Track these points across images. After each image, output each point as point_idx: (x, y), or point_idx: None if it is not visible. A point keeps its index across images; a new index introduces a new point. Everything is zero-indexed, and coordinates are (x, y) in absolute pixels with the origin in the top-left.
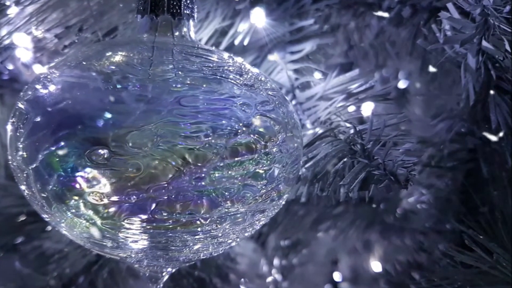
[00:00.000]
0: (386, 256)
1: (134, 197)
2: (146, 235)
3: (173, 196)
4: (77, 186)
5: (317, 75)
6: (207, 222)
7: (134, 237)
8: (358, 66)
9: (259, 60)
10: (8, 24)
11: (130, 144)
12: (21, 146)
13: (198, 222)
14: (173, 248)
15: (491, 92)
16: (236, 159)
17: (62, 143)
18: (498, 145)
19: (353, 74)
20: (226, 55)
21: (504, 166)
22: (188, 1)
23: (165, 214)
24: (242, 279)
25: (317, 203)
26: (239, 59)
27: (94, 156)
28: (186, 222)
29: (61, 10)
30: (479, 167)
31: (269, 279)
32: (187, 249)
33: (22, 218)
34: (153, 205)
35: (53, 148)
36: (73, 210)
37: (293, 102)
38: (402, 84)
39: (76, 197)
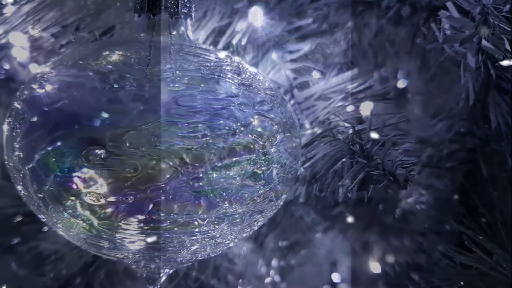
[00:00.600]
0: (385, 257)
1: (131, 197)
2: (143, 235)
3: (170, 197)
4: (74, 186)
5: (316, 75)
6: (205, 222)
7: (131, 237)
8: (357, 65)
9: (257, 59)
10: (4, 23)
11: (127, 144)
12: (17, 146)
13: (195, 222)
14: (171, 248)
15: (491, 91)
16: (234, 159)
17: (59, 143)
18: (498, 145)
19: (352, 74)
20: (224, 54)
21: (504, 167)
22: (185, 0)
23: (163, 214)
24: (240, 280)
25: (315, 203)
26: (237, 59)
27: (91, 156)
28: (183, 223)
29: (57, 9)
30: (478, 167)
31: (267, 280)
32: (185, 250)
33: (19, 218)
34: (151, 206)
35: (50, 148)
36: (70, 211)
37: (292, 101)
38: (401, 84)
39: (73, 198)
